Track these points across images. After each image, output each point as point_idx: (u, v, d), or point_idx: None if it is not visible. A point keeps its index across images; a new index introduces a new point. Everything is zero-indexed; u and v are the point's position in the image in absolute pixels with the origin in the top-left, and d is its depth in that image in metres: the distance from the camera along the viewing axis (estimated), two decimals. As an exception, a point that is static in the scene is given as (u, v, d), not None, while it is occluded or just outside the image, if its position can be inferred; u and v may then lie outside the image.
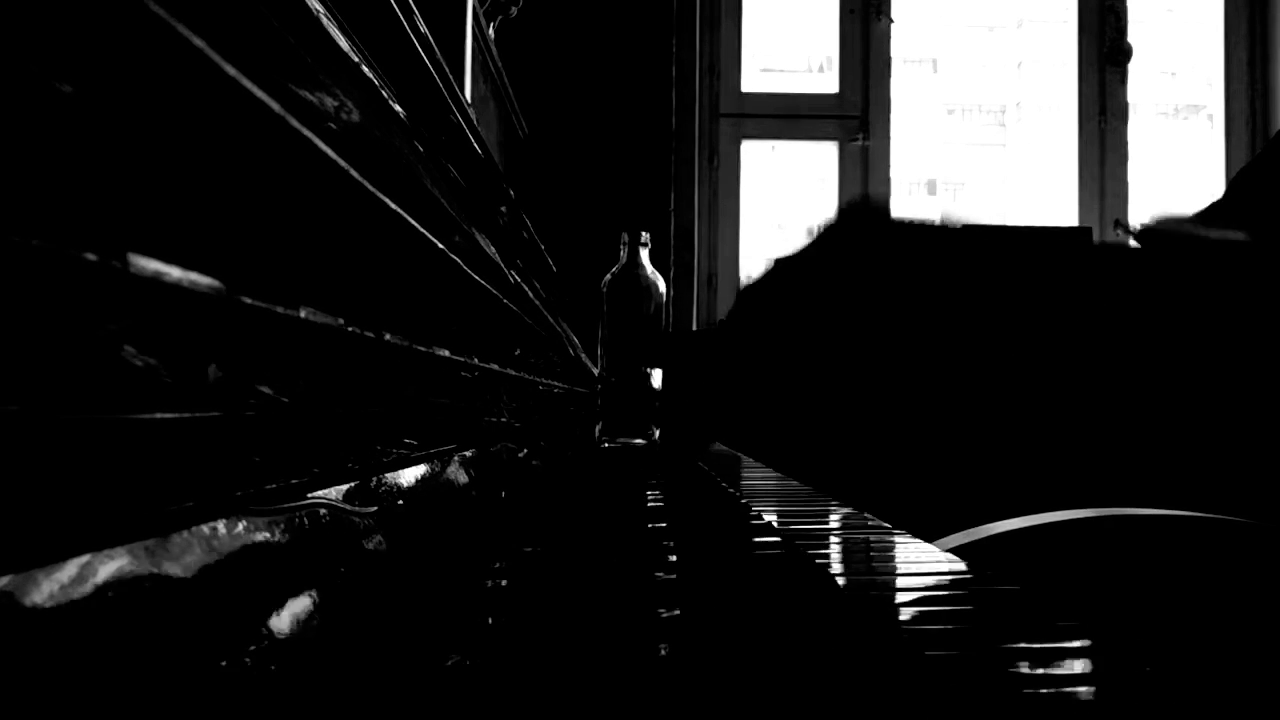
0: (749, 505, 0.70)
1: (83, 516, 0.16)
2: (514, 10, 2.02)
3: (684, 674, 0.31)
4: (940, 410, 0.46)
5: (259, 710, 0.19)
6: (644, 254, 1.31)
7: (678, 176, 2.59)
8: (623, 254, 1.31)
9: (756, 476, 1.10)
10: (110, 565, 0.16)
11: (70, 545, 0.15)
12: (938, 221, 0.48)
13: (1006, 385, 0.45)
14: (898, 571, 0.42)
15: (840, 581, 0.37)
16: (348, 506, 0.29)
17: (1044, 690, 0.22)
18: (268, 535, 0.22)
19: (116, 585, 0.16)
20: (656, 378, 1.23)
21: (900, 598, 0.36)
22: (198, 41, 0.17)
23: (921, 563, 0.43)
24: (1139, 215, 2.73)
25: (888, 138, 2.71)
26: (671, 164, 2.57)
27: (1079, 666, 0.25)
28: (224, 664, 0.18)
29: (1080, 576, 0.57)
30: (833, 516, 0.61)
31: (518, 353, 0.68)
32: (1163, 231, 0.49)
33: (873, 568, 0.44)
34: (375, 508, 0.31)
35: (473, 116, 0.45)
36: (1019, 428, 0.46)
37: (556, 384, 0.99)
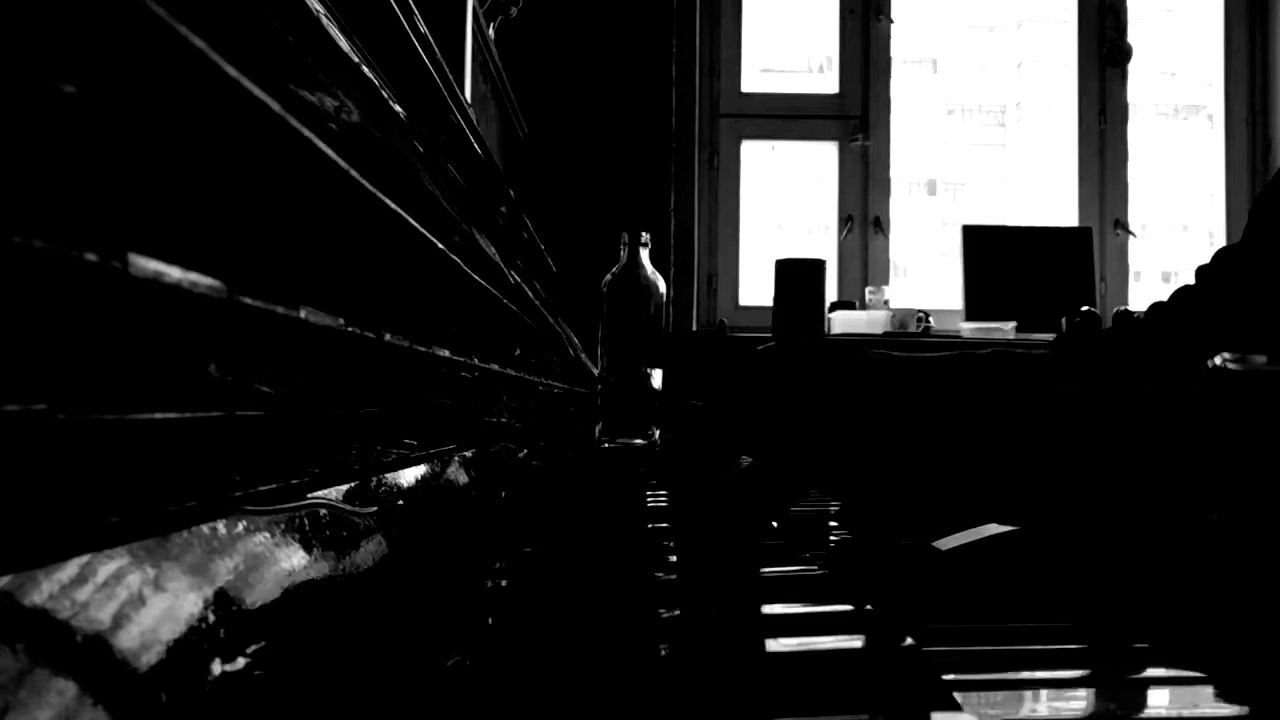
0: (749, 505, 0.70)
1: (82, 517, 0.16)
2: (514, 10, 2.02)
3: (684, 674, 0.31)
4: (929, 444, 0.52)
5: (259, 711, 0.19)
6: (644, 254, 1.31)
7: (678, 176, 2.59)
8: (623, 254, 1.31)
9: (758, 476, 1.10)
10: (110, 565, 0.16)
11: (70, 545, 0.15)
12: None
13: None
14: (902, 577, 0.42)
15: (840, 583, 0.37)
16: (348, 506, 0.29)
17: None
18: (267, 535, 0.22)
19: (116, 586, 0.16)
20: (656, 378, 1.23)
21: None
22: (198, 42, 0.17)
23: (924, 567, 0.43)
24: (1139, 215, 2.73)
25: (888, 138, 2.71)
26: (671, 164, 2.57)
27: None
28: (223, 665, 0.18)
29: (1081, 575, 0.57)
30: (833, 520, 0.60)
31: (518, 353, 0.68)
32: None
33: (868, 569, 0.44)
34: (375, 508, 0.31)
35: (473, 116, 0.45)
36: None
37: (556, 384, 0.99)
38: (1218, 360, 0.54)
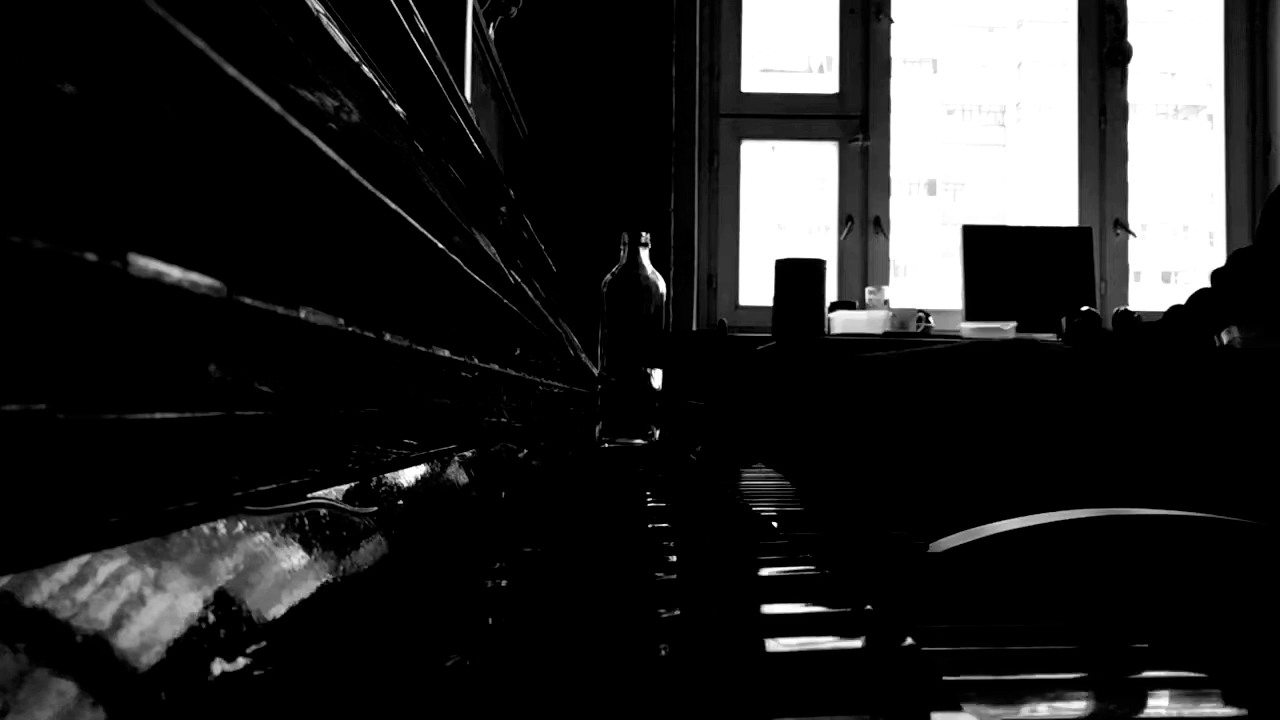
0: (750, 505, 0.70)
1: (82, 517, 0.16)
2: (514, 10, 2.02)
3: (684, 674, 0.31)
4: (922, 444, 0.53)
5: (259, 711, 0.19)
6: (644, 254, 1.31)
7: (678, 176, 2.59)
8: (623, 254, 1.31)
9: (757, 477, 1.10)
10: (110, 565, 0.16)
11: (70, 545, 0.15)
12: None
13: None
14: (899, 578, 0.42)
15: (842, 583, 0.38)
16: (348, 506, 0.29)
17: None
18: (268, 535, 0.22)
19: (116, 586, 0.16)
20: (656, 378, 1.23)
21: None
22: (198, 42, 0.17)
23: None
24: (1139, 215, 2.73)
25: (888, 138, 2.71)
26: (671, 164, 2.57)
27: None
28: (223, 665, 0.18)
29: (1079, 576, 0.57)
30: (831, 519, 0.61)
31: (518, 353, 0.68)
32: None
33: (875, 573, 0.44)
34: (375, 508, 0.31)
35: (473, 116, 0.45)
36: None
37: (556, 384, 0.99)
38: (1224, 337, 0.56)
